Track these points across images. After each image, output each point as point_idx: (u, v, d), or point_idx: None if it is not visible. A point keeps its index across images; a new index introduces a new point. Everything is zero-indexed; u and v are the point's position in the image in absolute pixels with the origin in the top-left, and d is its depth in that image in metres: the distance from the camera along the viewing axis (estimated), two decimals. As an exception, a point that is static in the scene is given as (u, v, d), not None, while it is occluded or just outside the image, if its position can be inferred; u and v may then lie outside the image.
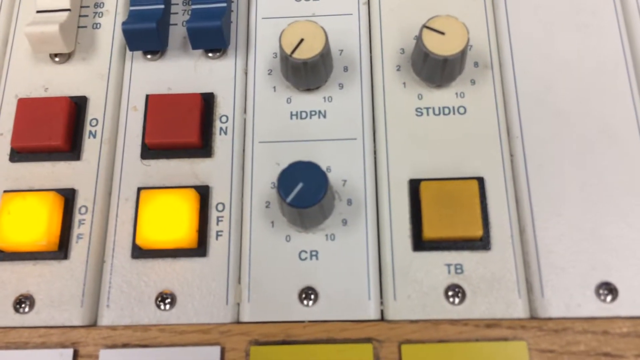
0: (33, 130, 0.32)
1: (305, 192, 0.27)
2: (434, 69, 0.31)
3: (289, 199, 0.27)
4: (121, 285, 0.29)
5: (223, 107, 0.33)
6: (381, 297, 0.29)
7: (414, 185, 0.30)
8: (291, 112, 0.33)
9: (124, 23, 0.33)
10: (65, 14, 0.34)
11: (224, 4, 0.33)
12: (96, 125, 0.33)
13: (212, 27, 0.32)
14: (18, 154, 0.32)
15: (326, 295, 0.29)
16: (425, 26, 0.31)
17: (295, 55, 0.30)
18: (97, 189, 0.31)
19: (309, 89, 0.33)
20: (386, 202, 0.30)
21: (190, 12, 0.34)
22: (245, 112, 0.33)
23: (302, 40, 0.31)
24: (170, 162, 0.32)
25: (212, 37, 0.33)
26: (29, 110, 0.32)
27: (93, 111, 0.33)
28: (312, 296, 0.28)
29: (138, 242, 0.29)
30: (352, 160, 0.31)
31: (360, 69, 0.33)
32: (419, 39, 0.31)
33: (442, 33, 0.31)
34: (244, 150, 0.32)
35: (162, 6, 0.34)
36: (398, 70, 0.33)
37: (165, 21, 0.34)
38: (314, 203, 0.27)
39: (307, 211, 0.28)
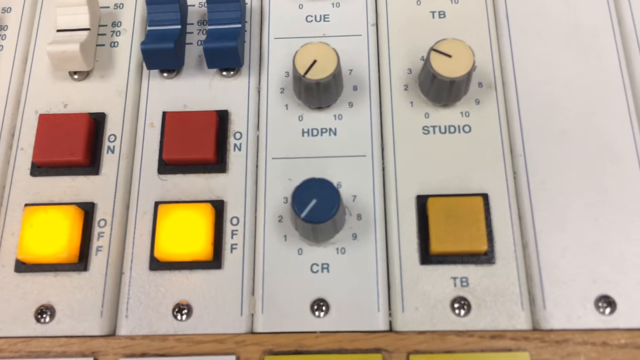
0: (54, 146, 0.33)
1: (318, 208, 0.28)
2: (441, 89, 0.32)
3: (303, 215, 0.28)
4: (139, 296, 0.30)
5: (237, 124, 0.34)
6: (390, 308, 0.30)
7: (421, 201, 0.31)
8: (303, 130, 0.34)
9: (142, 43, 0.34)
10: (85, 33, 0.35)
11: (239, 25, 0.35)
12: (114, 140, 0.34)
13: (228, 48, 0.34)
14: (39, 169, 0.33)
15: (337, 306, 0.30)
16: (432, 49, 0.32)
17: (308, 75, 0.32)
18: (116, 202, 0.32)
19: (320, 107, 0.34)
20: (394, 217, 0.31)
21: (206, 33, 0.35)
22: (258, 129, 0.34)
23: (315, 61, 0.32)
24: (186, 177, 0.33)
25: (227, 57, 0.34)
26: (50, 126, 0.33)
27: (111, 127, 0.34)
28: (324, 307, 0.30)
29: (156, 254, 0.30)
30: (361, 177, 0.32)
31: (369, 88, 0.35)
32: (426, 61, 0.32)
33: (449, 56, 0.32)
34: (257, 166, 0.33)
35: (179, 26, 0.35)
36: (406, 89, 0.34)
37: (182, 41, 0.36)
38: (327, 219, 0.28)
39: (320, 226, 0.29)
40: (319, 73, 0.32)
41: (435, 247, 0.29)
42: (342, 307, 0.30)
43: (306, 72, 0.32)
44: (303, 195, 0.28)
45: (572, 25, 0.35)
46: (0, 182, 0.33)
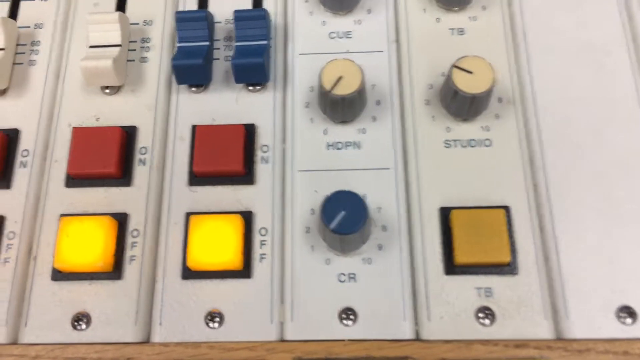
0: (88, 158, 0.34)
1: (347, 220, 0.29)
2: (462, 105, 0.34)
3: (332, 226, 0.29)
4: (172, 304, 0.31)
5: (264, 137, 0.35)
6: (416, 317, 0.31)
7: (444, 213, 0.32)
8: (328, 143, 0.35)
9: (173, 59, 0.35)
10: (117, 49, 0.37)
11: (266, 42, 0.36)
12: (145, 153, 0.35)
13: (256, 64, 0.35)
14: (73, 180, 0.34)
15: (364, 315, 0.31)
16: (455, 66, 0.33)
17: (334, 91, 0.33)
18: (148, 213, 0.33)
19: (344, 121, 0.35)
20: (418, 228, 0.32)
21: (232, 49, 0.36)
22: (284, 142, 0.35)
23: (340, 77, 0.33)
24: (215, 188, 0.34)
25: (255, 73, 0.35)
26: (84, 138, 0.34)
27: (142, 140, 0.35)
28: (351, 316, 0.30)
29: (189, 264, 0.31)
30: (386, 189, 0.33)
31: (392, 103, 0.36)
32: (448, 77, 0.33)
33: (471, 72, 0.33)
34: (284, 178, 0.34)
35: (207, 43, 0.36)
36: (427, 104, 0.36)
37: (210, 57, 0.37)
38: (356, 230, 0.29)
39: (348, 237, 0.30)
40: (345, 89, 0.33)
41: (460, 258, 0.30)
42: (369, 315, 0.31)
43: (332, 88, 0.33)
44: (332, 207, 0.29)
45: (586, 42, 0.36)
46: (35, 193, 0.34)
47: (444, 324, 0.30)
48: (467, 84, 0.33)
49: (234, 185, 0.34)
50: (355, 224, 0.29)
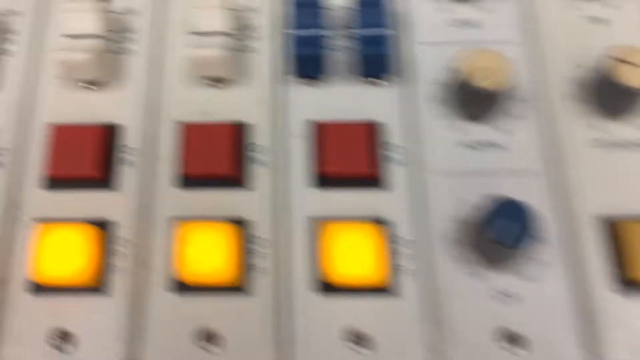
0: (202, 156, 0.31)
1: (521, 233, 0.25)
2: (622, 101, 0.30)
3: (506, 240, 0.25)
4: (308, 323, 0.28)
5: (391, 135, 0.32)
6: (589, 344, 0.27)
7: (609, 224, 0.29)
8: (464, 143, 0.31)
9: (296, 49, 0.32)
10: (223, 37, 0.33)
11: (390, 31, 0.32)
12: (258, 151, 0.32)
13: (383, 55, 0.31)
14: (186, 180, 0.31)
15: (527, 339, 0.27)
16: (613, 57, 0.29)
17: (483, 84, 0.29)
18: (268, 218, 0.30)
19: (479, 118, 0.32)
20: (580, 240, 0.29)
21: (358, 39, 0.33)
22: (414, 141, 0.32)
23: (486, 69, 0.30)
24: (342, 191, 0.30)
25: (380, 64, 0.32)
26: (197, 135, 0.31)
27: (254, 137, 0.32)
28: (513, 340, 0.27)
29: (326, 277, 0.28)
30: (535, 195, 0.30)
31: (531, 99, 0.32)
32: (606, 69, 0.30)
33: (634, 64, 0.29)
34: (419, 181, 0.31)
35: (325, 31, 0.33)
36: (573, 100, 0.32)
37: (328, 46, 0.33)
38: (530, 244, 0.26)
39: (513, 252, 0.26)
40: (493, 82, 0.29)
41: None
42: (533, 340, 0.27)
43: (479, 81, 0.29)
44: (502, 217, 0.26)
45: None
46: (143, 195, 0.31)
47: (625, 353, 0.26)
48: (632, 78, 0.29)
49: (361, 187, 0.31)
50: (529, 237, 0.25)
